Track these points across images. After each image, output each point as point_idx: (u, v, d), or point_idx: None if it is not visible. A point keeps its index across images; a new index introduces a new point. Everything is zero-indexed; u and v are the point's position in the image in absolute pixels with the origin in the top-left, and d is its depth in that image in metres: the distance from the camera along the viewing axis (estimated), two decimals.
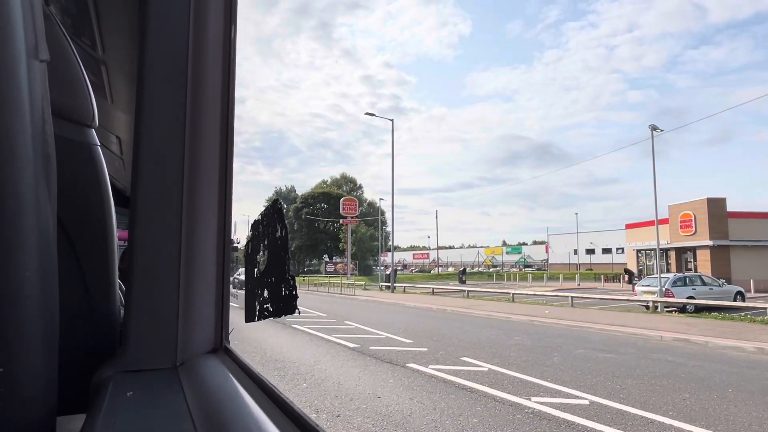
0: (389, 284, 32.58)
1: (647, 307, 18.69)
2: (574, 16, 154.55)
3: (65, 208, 0.73)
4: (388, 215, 53.45)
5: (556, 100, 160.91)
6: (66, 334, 0.67)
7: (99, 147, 0.94)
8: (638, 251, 38.53)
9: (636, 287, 21.57)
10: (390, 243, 41.20)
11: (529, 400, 6.28)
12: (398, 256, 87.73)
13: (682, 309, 17.98)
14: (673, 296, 18.46)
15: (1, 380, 0.54)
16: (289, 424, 0.62)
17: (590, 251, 66.87)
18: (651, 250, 34.72)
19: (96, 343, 0.92)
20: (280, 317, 0.80)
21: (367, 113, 29.30)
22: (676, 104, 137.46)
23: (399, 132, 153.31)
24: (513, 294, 23.64)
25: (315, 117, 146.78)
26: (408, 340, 11.07)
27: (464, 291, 27.26)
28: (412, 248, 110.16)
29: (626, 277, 35.64)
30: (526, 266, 76.07)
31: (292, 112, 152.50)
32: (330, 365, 8.43)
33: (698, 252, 33.28)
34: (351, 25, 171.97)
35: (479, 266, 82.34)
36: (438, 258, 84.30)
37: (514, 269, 69.40)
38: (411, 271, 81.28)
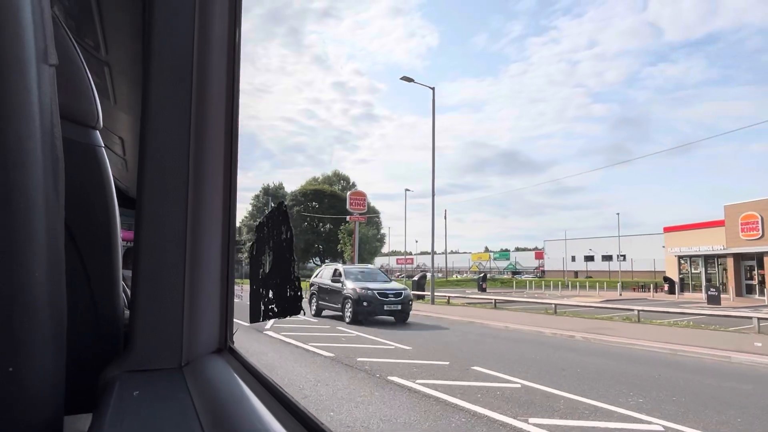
0: (419, 293, 27.34)
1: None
2: (537, 31, 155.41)
3: (70, 209, 0.72)
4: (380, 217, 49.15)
5: (524, 111, 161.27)
6: (73, 335, 0.67)
7: (103, 148, 0.94)
8: (680, 258, 34.38)
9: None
10: (389, 246, 36.60)
11: None
12: (380, 261, 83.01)
13: None
14: None
15: (10, 380, 0.54)
16: (295, 424, 0.63)
17: (589, 258, 64.20)
18: (698, 256, 31.20)
19: (102, 343, 0.91)
20: (286, 316, 0.82)
21: (403, 78, 24.79)
22: (637, 117, 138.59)
23: (372, 138, 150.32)
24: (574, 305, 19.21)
25: (287, 121, 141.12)
26: (586, 400, 6.52)
27: (524, 300, 22.72)
28: (393, 253, 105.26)
29: (666, 285, 32.22)
30: (514, 273, 72.64)
31: (266, 116, 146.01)
32: None
33: (766, 259, 28.54)
34: (321, 33, 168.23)
35: (467, 272, 78.63)
36: (433, 264, 79.99)
37: (517, 276, 65.75)
38: (397, 276, 76.77)
